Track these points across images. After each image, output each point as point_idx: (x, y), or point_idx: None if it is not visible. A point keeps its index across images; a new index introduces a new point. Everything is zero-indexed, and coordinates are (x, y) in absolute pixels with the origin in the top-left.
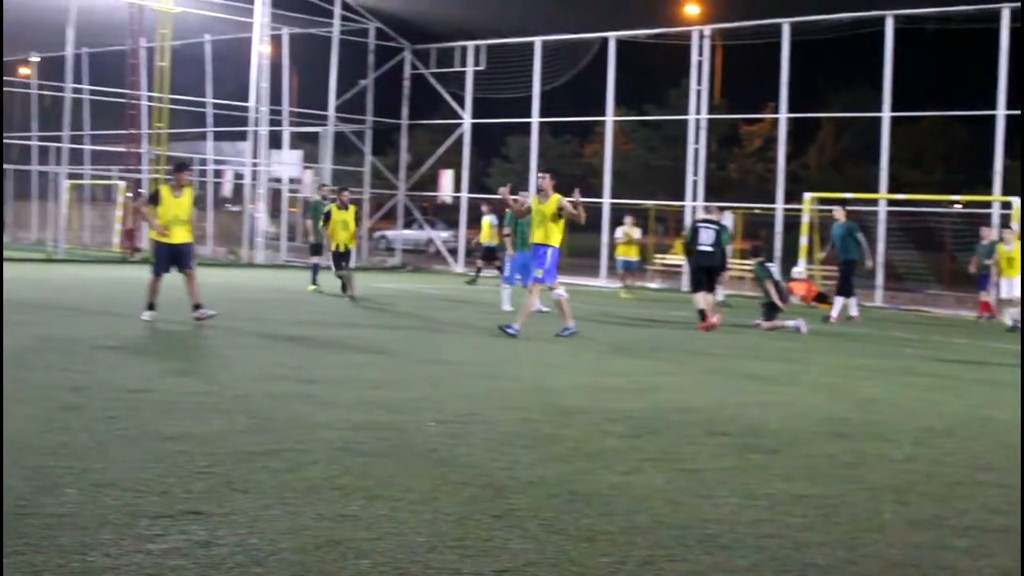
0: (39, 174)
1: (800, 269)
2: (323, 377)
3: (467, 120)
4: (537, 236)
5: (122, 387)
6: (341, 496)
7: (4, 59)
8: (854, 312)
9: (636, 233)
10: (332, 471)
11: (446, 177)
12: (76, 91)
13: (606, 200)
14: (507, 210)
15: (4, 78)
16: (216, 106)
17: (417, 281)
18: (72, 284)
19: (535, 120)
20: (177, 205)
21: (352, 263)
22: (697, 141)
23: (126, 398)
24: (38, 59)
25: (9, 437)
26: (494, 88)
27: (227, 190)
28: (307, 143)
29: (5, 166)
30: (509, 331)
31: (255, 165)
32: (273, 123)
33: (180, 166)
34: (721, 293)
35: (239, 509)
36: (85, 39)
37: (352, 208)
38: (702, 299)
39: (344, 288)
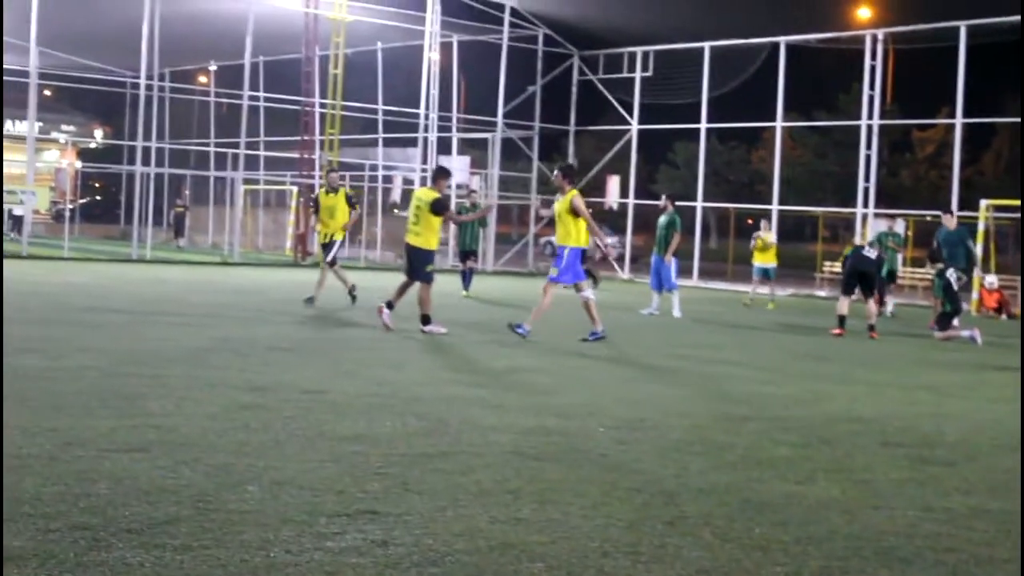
0: (215, 179)
1: (992, 279)
2: (492, 381)
3: (634, 126)
4: (558, 235)
5: (297, 387)
6: (513, 500)
7: (184, 67)
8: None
9: (771, 238)
10: (504, 475)
11: (613, 183)
12: (252, 98)
13: (775, 207)
14: (662, 215)
15: (184, 86)
16: (386, 112)
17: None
18: (246, 287)
19: (703, 126)
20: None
21: (332, 256)
22: (869, 147)
23: (301, 398)
24: (215, 68)
25: (192, 435)
26: (662, 94)
27: (396, 195)
28: (475, 149)
29: (185, 171)
30: (519, 331)
31: (424, 171)
32: (442, 129)
33: (442, 170)
34: (891, 304)
35: (414, 510)
36: (261, 47)
37: (342, 192)
38: (847, 304)
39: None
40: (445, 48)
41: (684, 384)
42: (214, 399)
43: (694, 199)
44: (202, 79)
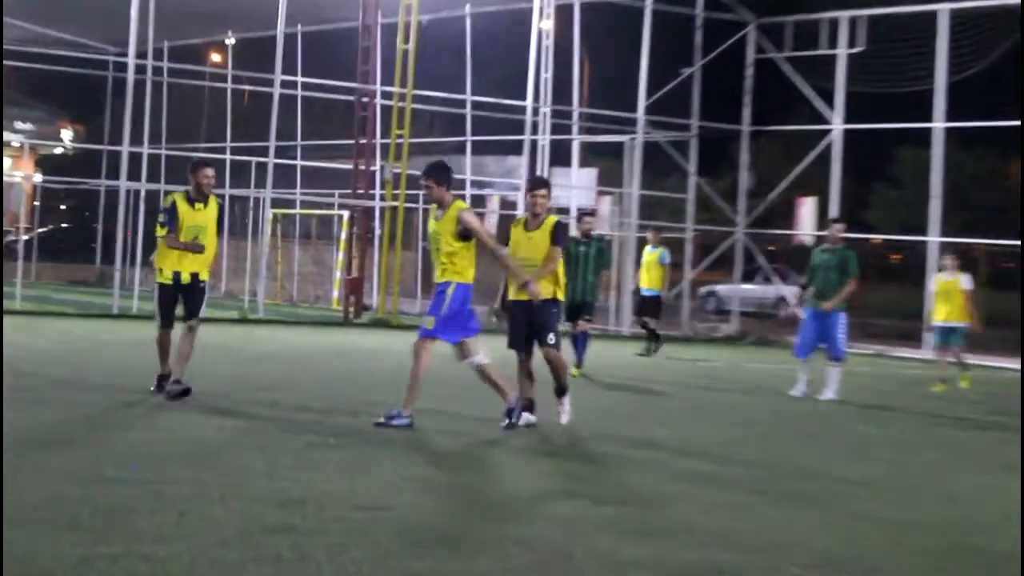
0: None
1: None
2: (626, 495)
3: (838, 125)
4: (437, 270)
5: (348, 501)
6: None
7: (190, 41)
8: None
9: (964, 282)
10: None
11: (806, 208)
12: (286, 85)
13: None
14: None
15: (189, 67)
16: (477, 105)
17: (758, 358)
18: (275, 353)
19: (938, 125)
20: (528, 242)
21: (202, 308)
22: None
23: (354, 517)
24: (234, 42)
25: (197, 569)
26: (878, 80)
27: (491, 222)
28: (605, 158)
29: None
30: (397, 422)
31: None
32: (557, 130)
33: (535, 181)
34: None
35: None
36: (299, 14)
37: (214, 203)
38: None
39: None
40: (562, 14)
41: (905, 503)
42: (229, 516)
43: (925, 231)
44: (215, 57)
